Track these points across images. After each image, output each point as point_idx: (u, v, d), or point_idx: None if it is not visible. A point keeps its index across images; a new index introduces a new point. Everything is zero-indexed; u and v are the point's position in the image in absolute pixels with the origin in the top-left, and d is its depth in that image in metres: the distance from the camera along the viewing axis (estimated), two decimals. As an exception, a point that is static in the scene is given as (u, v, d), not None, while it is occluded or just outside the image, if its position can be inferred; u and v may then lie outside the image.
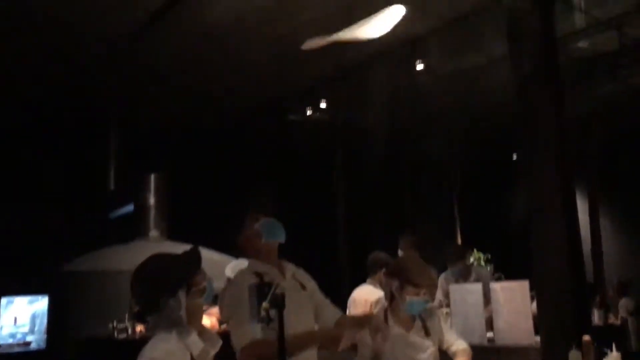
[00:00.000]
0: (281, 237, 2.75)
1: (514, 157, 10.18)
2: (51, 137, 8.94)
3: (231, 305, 2.61)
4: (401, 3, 5.67)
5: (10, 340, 8.16)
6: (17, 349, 8.82)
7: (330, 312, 2.91)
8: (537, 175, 4.71)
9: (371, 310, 4.69)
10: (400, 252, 5.43)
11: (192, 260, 2.21)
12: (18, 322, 9.12)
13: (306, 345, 2.57)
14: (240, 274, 2.68)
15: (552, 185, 4.57)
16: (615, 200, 11.28)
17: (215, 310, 5.35)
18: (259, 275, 2.62)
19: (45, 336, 8.03)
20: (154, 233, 7.54)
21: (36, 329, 9.07)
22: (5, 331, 8.11)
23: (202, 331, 2.24)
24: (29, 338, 9.05)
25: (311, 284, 2.88)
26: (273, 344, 2.38)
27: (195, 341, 2.13)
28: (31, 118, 8.33)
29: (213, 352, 2.23)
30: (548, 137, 4.64)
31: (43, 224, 9.39)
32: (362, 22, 4.95)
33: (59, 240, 8.94)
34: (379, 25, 4.88)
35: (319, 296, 2.92)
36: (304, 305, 2.76)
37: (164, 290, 2.09)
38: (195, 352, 2.11)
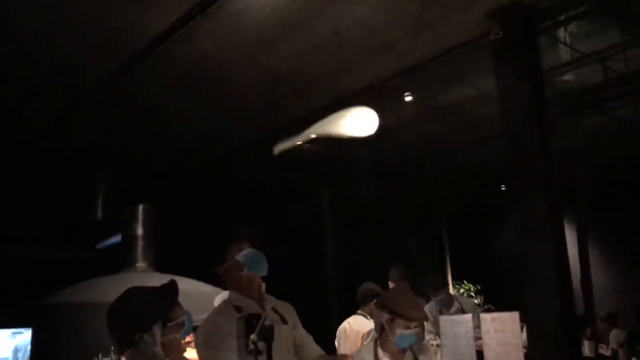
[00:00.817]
0: (262, 270, 2.67)
1: (503, 187, 10.23)
2: (38, 167, 8.88)
3: (206, 343, 2.50)
4: (388, 36, 5.77)
5: (-8, 375, 7.99)
6: (-2, 384, 8.62)
7: (310, 348, 2.86)
8: (526, 207, 4.73)
9: (362, 342, 4.65)
10: (390, 284, 5.42)
11: (168, 295, 2.18)
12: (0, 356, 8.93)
13: None
14: (218, 309, 2.60)
15: (541, 217, 4.59)
16: (604, 232, 11.33)
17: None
18: (237, 309, 2.57)
19: (27, 371, 7.84)
20: (141, 264, 7.44)
21: (19, 363, 8.88)
22: (-13, 365, 7.94)
23: None
24: (11, 373, 8.86)
25: (293, 318, 2.82)
26: None
27: None
28: (17, 148, 8.29)
29: None
30: (536, 169, 4.68)
31: (28, 255, 9.27)
32: (338, 117, 4.73)
33: (44, 272, 8.81)
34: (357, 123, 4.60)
35: (301, 331, 2.86)
36: (284, 339, 2.69)
37: (139, 325, 2.07)
38: None
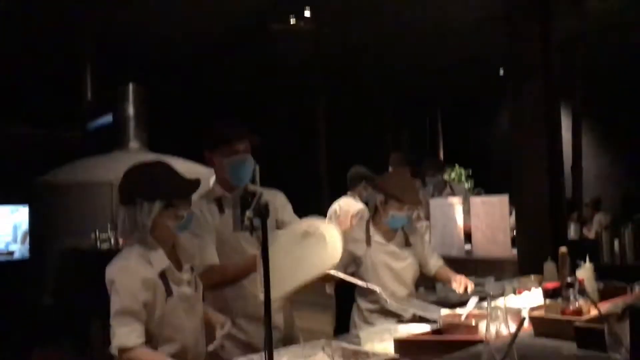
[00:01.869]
0: (241, 183, 2.63)
1: (501, 72, 10.07)
2: (27, 48, 8.62)
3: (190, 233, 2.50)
4: None
5: (-6, 250, 8.25)
6: (1, 258, 8.93)
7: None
8: (522, 92, 4.66)
9: (351, 221, 4.78)
10: (390, 168, 5.50)
11: (185, 187, 2.20)
12: (0, 232, 9.18)
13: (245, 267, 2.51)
14: (198, 200, 2.60)
15: (536, 102, 4.53)
16: (598, 119, 11.35)
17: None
18: (217, 201, 2.60)
19: (28, 246, 8.06)
20: (133, 144, 7.41)
21: (19, 238, 9.15)
22: (-12, 240, 8.17)
23: (177, 246, 2.23)
24: (12, 247, 9.15)
25: (280, 207, 2.76)
26: (227, 269, 2.51)
27: (160, 257, 2.14)
28: (4, 30, 7.98)
29: (187, 266, 2.24)
30: (535, 54, 4.56)
31: (22, 135, 9.25)
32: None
33: (38, 151, 8.83)
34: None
35: (288, 214, 2.80)
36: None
37: (145, 191, 2.11)
38: (160, 268, 2.13)
